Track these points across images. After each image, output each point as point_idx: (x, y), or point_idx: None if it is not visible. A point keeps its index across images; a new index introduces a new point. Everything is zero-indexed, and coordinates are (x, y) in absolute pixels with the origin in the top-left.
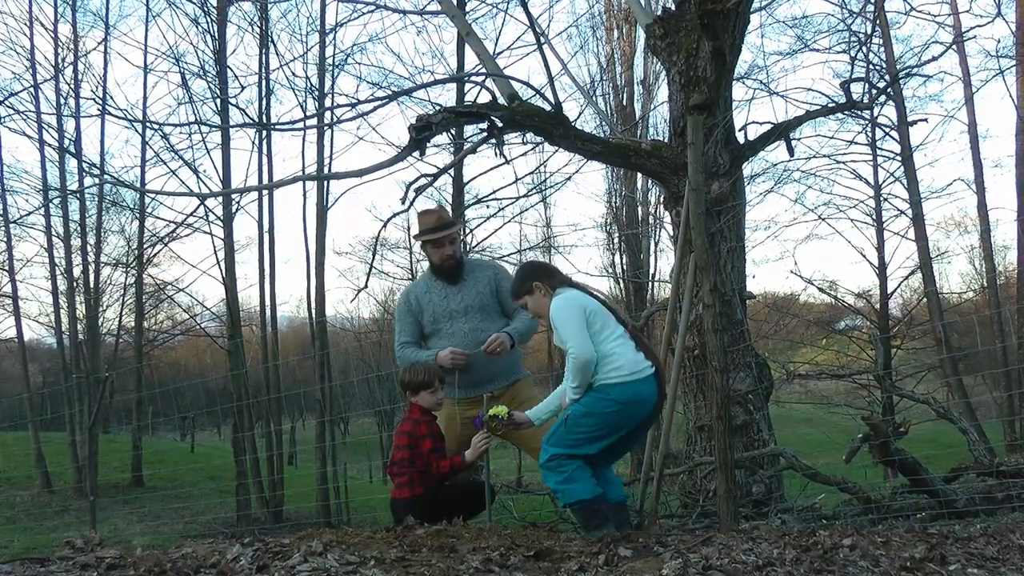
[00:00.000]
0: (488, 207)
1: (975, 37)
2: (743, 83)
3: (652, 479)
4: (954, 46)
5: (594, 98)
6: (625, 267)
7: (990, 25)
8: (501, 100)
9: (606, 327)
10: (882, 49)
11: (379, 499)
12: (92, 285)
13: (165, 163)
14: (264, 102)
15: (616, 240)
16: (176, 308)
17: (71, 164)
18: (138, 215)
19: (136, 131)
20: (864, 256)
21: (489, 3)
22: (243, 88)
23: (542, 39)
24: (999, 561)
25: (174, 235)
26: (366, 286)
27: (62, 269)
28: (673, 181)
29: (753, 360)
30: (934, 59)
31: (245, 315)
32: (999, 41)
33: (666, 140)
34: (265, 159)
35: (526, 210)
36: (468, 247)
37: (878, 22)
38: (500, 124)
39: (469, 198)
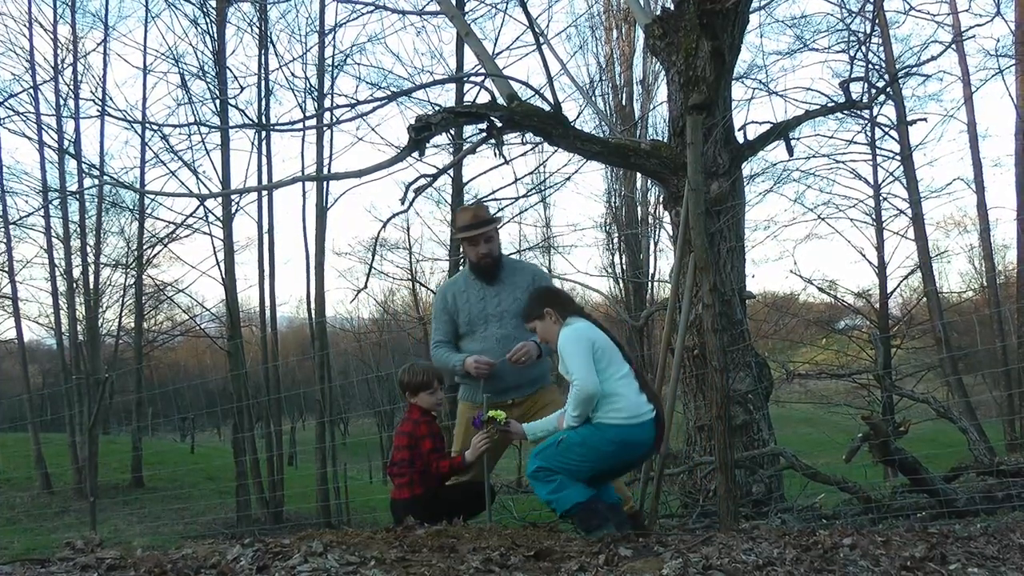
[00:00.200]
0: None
1: (974, 36)
2: (742, 83)
3: (652, 479)
4: (953, 45)
5: (593, 98)
6: (625, 267)
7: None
8: (500, 100)
9: (612, 364)
10: (881, 48)
11: (379, 499)
12: (92, 286)
13: (164, 164)
14: (263, 103)
15: (616, 240)
16: (176, 309)
17: (71, 165)
18: (138, 216)
19: (135, 132)
20: (864, 256)
21: (488, 3)
22: (242, 89)
23: (541, 39)
24: (999, 560)
25: (174, 236)
26: (366, 286)
27: (62, 270)
28: (672, 181)
29: (753, 360)
30: (933, 58)
31: (245, 316)
32: (998, 40)
33: (665, 140)
34: (264, 160)
35: (525, 210)
36: None
37: (877, 21)
38: (499, 124)
39: (468, 198)
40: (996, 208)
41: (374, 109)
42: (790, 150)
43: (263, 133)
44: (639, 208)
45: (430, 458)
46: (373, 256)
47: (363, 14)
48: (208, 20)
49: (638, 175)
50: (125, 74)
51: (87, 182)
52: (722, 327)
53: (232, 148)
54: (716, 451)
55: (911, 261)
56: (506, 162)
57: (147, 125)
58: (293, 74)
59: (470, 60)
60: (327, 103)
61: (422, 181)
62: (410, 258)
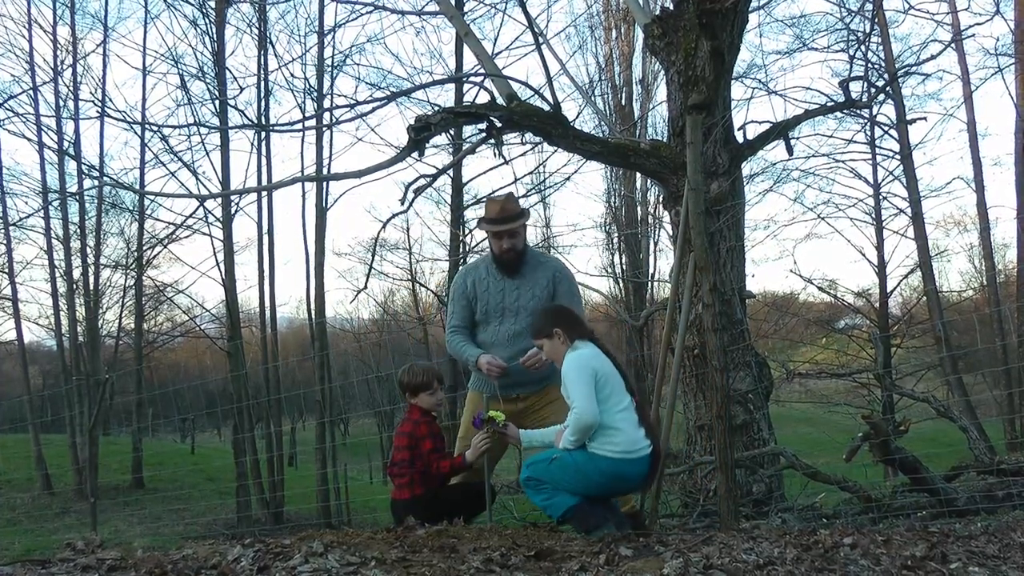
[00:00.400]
0: None
1: (974, 35)
2: (742, 82)
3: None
4: (953, 44)
5: (593, 98)
6: (624, 267)
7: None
8: (500, 100)
9: (614, 395)
10: (881, 48)
11: (379, 500)
12: (92, 287)
13: (164, 165)
14: (263, 103)
15: (615, 240)
16: (176, 310)
17: (70, 166)
18: (137, 217)
19: (135, 133)
20: (863, 255)
21: (487, 3)
22: (242, 89)
23: (540, 39)
24: (1000, 559)
25: (173, 237)
26: (366, 287)
27: (62, 271)
28: (672, 181)
29: (753, 359)
30: (933, 57)
31: (245, 316)
32: (998, 39)
33: (665, 140)
34: (264, 160)
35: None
36: (468, 248)
37: (876, 20)
38: (499, 124)
39: (468, 198)
40: (996, 207)
41: (374, 109)
42: (790, 149)
43: (263, 134)
44: (639, 208)
45: (430, 458)
46: (373, 256)
47: (362, 14)
48: (207, 21)
49: (638, 175)
50: (124, 75)
51: (87, 183)
52: (722, 327)
53: (232, 149)
54: (716, 451)
55: (911, 260)
56: (506, 162)
57: (147, 126)
58: (292, 74)
59: (469, 60)
60: (327, 103)
61: (422, 181)
62: (410, 258)
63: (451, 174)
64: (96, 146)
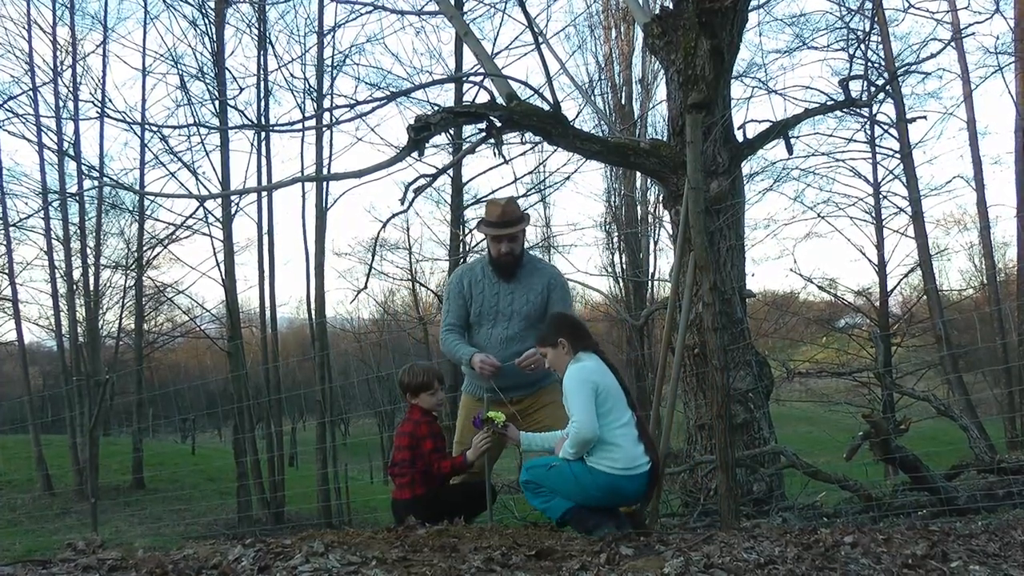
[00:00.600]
0: None
1: (974, 34)
2: (741, 81)
3: None
4: (953, 43)
5: (592, 97)
6: (624, 266)
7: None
8: (499, 100)
9: (614, 410)
10: (880, 46)
11: (380, 500)
12: (92, 288)
13: (164, 165)
14: (263, 103)
15: (615, 239)
16: (176, 310)
17: (70, 167)
18: (137, 217)
19: (135, 133)
20: (864, 254)
21: (487, 3)
22: (241, 90)
23: (540, 39)
24: (1001, 557)
25: (173, 237)
26: (366, 287)
27: (62, 272)
28: (672, 180)
29: (753, 358)
30: (933, 56)
31: (245, 316)
32: (998, 38)
33: (665, 139)
34: (264, 160)
35: (525, 210)
36: (468, 248)
37: (876, 19)
38: (499, 124)
39: (468, 198)
40: (996, 206)
41: (373, 109)
42: (789, 148)
43: (262, 134)
44: (639, 207)
45: (431, 458)
46: (373, 256)
47: (362, 14)
48: (207, 21)
49: (638, 174)
50: (124, 76)
51: (87, 184)
52: (722, 326)
53: (231, 149)
54: (717, 450)
55: (911, 259)
56: (505, 162)
57: (146, 126)
58: (292, 75)
59: (469, 60)
60: (326, 103)
61: (422, 181)
62: (410, 258)
63: (451, 174)
64: (96, 147)
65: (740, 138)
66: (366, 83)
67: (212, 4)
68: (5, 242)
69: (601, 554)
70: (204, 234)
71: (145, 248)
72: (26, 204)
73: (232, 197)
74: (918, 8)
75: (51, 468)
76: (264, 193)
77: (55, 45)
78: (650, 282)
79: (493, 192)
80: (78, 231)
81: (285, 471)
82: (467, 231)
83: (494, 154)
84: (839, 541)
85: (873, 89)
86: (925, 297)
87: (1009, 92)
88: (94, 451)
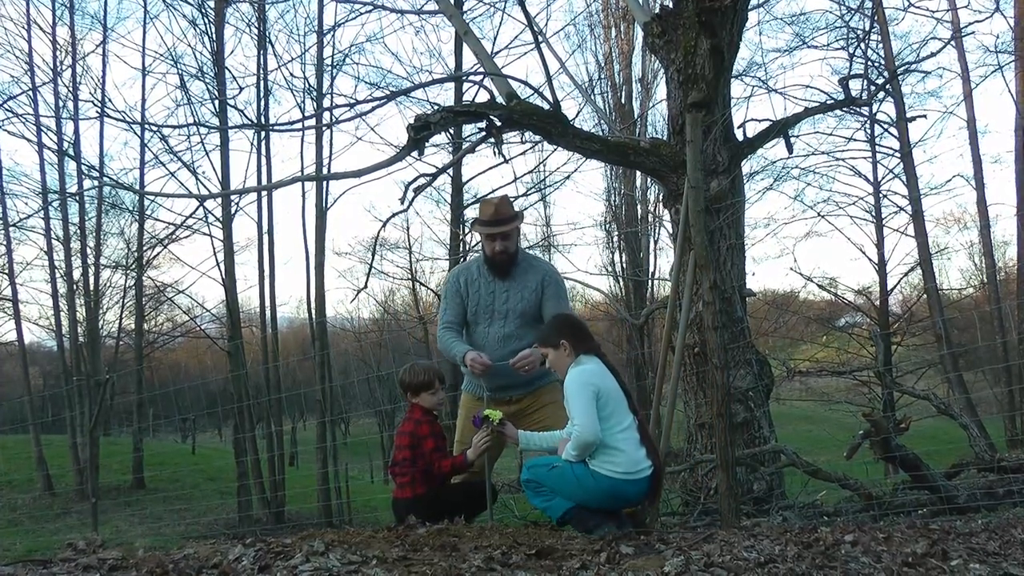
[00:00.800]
0: None
1: (974, 33)
2: (741, 80)
3: None
4: (952, 42)
5: (592, 96)
6: (625, 265)
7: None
8: (499, 99)
9: (616, 414)
10: (880, 45)
11: (380, 499)
12: (92, 288)
13: (164, 165)
14: (262, 103)
15: (615, 238)
16: (176, 310)
17: (70, 167)
18: (137, 217)
19: (135, 133)
20: (864, 253)
21: (487, 2)
22: (241, 89)
23: (540, 38)
24: (1001, 556)
25: (173, 237)
26: (366, 286)
27: (62, 272)
28: (672, 179)
29: (753, 357)
30: (932, 55)
31: (245, 316)
32: (998, 37)
33: (665, 138)
34: (264, 160)
35: (525, 209)
36: (468, 247)
37: (876, 18)
38: (498, 123)
39: (468, 197)
40: (996, 204)
41: (373, 109)
42: (789, 147)
43: (262, 133)
44: (639, 206)
45: (432, 457)
46: (373, 256)
47: (362, 14)
48: (206, 21)
49: (638, 173)
50: (124, 75)
51: (87, 184)
52: (722, 325)
53: (231, 149)
54: (717, 449)
55: (911, 258)
56: (505, 161)
57: (146, 126)
58: (292, 74)
59: (469, 59)
60: (326, 103)
61: (421, 180)
62: (410, 258)
63: (451, 173)
64: (96, 146)
65: (740, 137)
66: (366, 82)
67: (212, 3)
68: (5, 242)
69: (601, 553)
70: (204, 234)
71: (145, 248)
72: (26, 204)
73: (232, 197)
74: (918, 7)
75: (51, 468)
76: (264, 193)
77: (55, 45)
78: (650, 281)
79: (493, 191)
80: (78, 231)
81: (285, 471)
82: (467, 230)
83: (494, 153)
84: (839, 540)
85: (873, 88)
86: (925, 296)
87: (1009, 91)
88: (94, 451)
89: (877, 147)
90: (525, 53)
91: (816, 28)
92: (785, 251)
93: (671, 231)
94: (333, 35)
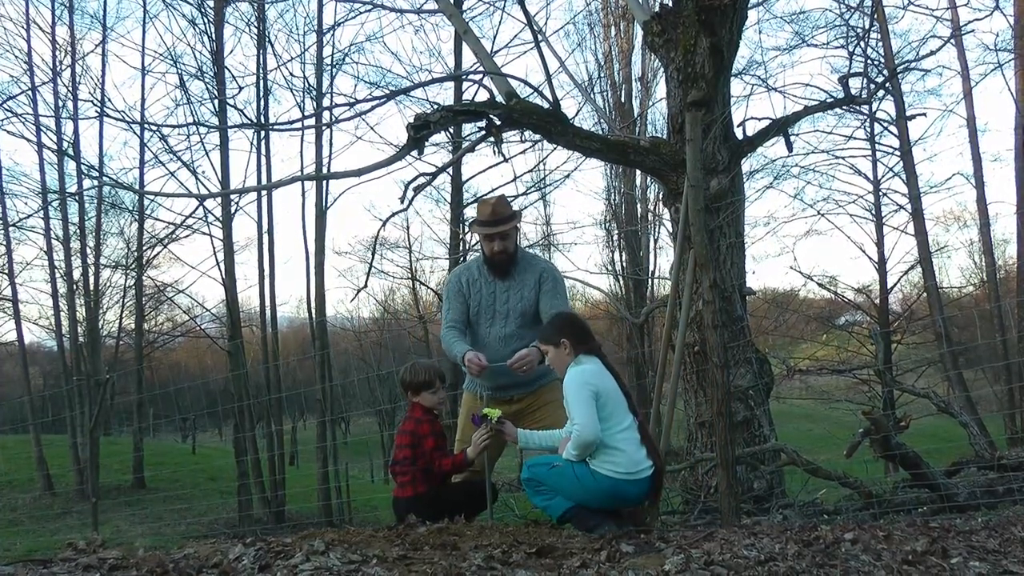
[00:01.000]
0: None
1: (973, 31)
2: (741, 79)
3: None
4: (952, 40)
5: (592, 95)
6: (625, 264)
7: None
8: (499, 98)
9: (615, 414)
10: (880, 44)
11: (380, 498)
12: (92, 288)
13: (164, 164)
14: (262, 102)
15: (615, 237)
16: (176, 310)
17: (70, 167)
18: (137, 217)
19: (134, 133)
20: (864, 251)
21: (486, 1)
22: (241, 89)
23: (539, 37)
24: (1001, 554)
25: (173, 237)
26: (366, 286)
27: (62, 272)
28: (672, 178)
29: (753, 356)
30: (932, 53)
31: (245, 316)
32: (997, 35)
33: (664, 137)
34: (264, 159)
35: (525, 208)
36: (468, 246)
37: (876, 17)
38: (498, 122)
39: (468, 196)
40: (996, 203)
41: (373, 108)
42: (789, 146)
43: (262, 133)
44: (639, 205)
45: (433, 456)
46: (373, 255)
47: (361, 13)
48: (206, 20)
49: (637, 172)
50: (123, 75)
51: (86, 183)
52: (722, 323)
53: (231, 148)
54: (717, 447)
55: (911, 256)
56: (505, 160)
57: (146, 126)
58: (292, 73)
59: (468, 58)
60: (326, 102)
61: (421, 180)
62: (410, 257)
63: (451, 172)
64: (95, 146)
65: (740, 136)
66: (365, 82)
67: (211, 3)
68: (5, 242)
69: (602, 551)
70: (204, 233)
71: (145, 248)
72: (26, 204)
73: (232, 196)
74: (918, 5)
75: (52, 468)
76: (264, 192)
77: (54, 44)
78: (650, 280)
79: (493, 190)
80: (78, 231)
81: (286, 470)
82: (467, 230)
83: (494, 152)
84: (839, 538)
85: (873, 86)
86: (925, 294)
87: (1009, 89)
88: (94, 451)
89: (877, 145)
90: (525, 52)
91: (816, 26)
92: (785, 249)
93: (671, 230)
94: (333, 34)
